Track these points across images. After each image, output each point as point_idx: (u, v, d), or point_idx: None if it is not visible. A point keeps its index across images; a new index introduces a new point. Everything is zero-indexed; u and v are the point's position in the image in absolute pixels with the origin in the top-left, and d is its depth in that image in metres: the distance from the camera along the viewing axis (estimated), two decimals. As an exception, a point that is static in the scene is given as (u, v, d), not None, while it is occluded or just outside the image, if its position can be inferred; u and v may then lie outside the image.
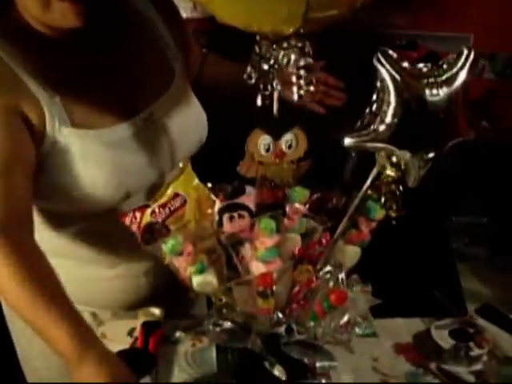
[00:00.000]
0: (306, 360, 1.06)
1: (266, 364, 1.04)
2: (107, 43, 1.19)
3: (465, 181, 1.98)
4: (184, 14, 1.43)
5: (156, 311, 1.25)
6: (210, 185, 1.07)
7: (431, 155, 1.03)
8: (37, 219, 1.17)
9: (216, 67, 1.48)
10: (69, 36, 1.12)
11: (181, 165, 1.06)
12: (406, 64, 0.98)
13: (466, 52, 1.01)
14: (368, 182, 1.05)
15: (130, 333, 1.23)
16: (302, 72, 0.95)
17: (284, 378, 1.02)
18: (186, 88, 1.34)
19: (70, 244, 1.23)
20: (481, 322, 1.32)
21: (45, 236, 1.17)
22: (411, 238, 1.73)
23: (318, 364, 1.07)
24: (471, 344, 1.19)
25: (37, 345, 1.33)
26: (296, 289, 1.05)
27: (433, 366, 1.18)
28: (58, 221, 1.22)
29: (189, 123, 1.31)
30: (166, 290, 1.29)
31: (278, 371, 1.02)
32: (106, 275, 1.31)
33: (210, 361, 1.17)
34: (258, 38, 0.96)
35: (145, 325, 1.21)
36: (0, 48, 1.08)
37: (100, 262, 1.29)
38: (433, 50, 2.11)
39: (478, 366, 1.18)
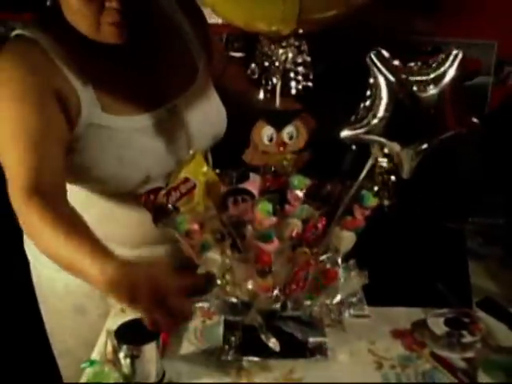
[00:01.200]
0: (299, 335, 1.14)
1: (263, 337, 1.12)
2: (137, 41, 1.31)
3: (485, 183, 2.01)
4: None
5: None
6: (217, 171, 1.17)
7: (422, 148, 1.11)
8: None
9: (235, 78, 1.56)
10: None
11: (191, 152, 1.17)
12: (397, 62, 1.07)
13: (454, 52, 1.08)
14: (364, 172, 1.13)
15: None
16: (299, 68, 1.04)
17: (277, 350, 1.11)
18: (209, 85, 1.44)
19: (95, 224, 1.34)
20: (480, 313, 1.37)
21: None
22: (428, 235, 1.78)
23: (310, 339, 1.15)
24: (464, 332, 1.24)
25: (68, 321, 1.47)
26: (294, 269, 1.13)
27: (426, 351, 1.24)
28: (83, 201, 1.33)
29: (209, 117, 1.41)
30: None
31: (272, 343, 1.11)
32: (130, 255, 1.39)
33: (216, 336, 1.26)
34: (260, 37, 1.06)
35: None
36: (46, 43, 1.21)
37: (124, 242, 1.37)
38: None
39: (470, 354, 1.23)
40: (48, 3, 1.25)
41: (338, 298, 1.12)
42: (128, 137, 1.27)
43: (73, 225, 1.10)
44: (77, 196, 1.30)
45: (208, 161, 1.44)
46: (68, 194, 1.21)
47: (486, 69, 2.23)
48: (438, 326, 1.27)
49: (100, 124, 1.25)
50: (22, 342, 1.82)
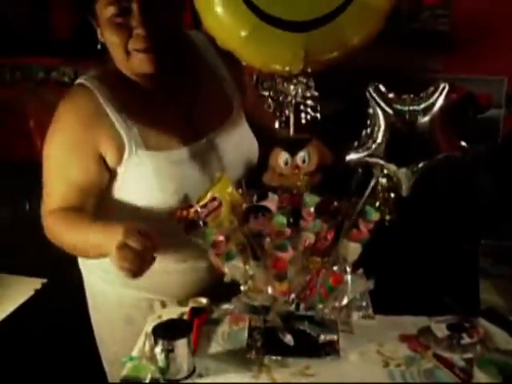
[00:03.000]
0: (312, 333, 1.30)
1: (280, 335, 1.29)
2: (176, 83, 1.52)
3: (498, 207, 2.15)
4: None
5: (203, 300, 1.52)
6: (241, 191, 1.35)
7: (417, 168, 1.28)
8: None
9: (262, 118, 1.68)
10: (149, 78, 1.46)
11: (217, 175, 1.36)
12: (391, 95, 1.25)
13: (442, 85, 1.25)
14: (367, 190, 1.30)
15: (181, 316, 1.51)
16: (308, 101, 1.23)
17: (292, 344, 1.27)
18: (242, 120, 1.62)
19: None
20: (483, 322, 1.50)
21: None
22: (442, 254, 1.93)
23: (321, 337, 1.31)
24: (464, 335, 1.38)
25: (118, 331, 1.65)
26: (308, 277, 1.30)
27: (429, 352, 1.38)
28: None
29: (241, 149, 1.59)
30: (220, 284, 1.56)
31: (287, 339, 1.27)
32: (175, 269, 1.56)
33: (241, 339, 1.42)
34: (275, 76, 1.25)
35: (192, 309, 1.49)
36: (99, 89, 1.43)
37: (169, 257, 1.54)
38: (470, 91, 2.32)
39: (469, 354, 1.36)
40: (98, 47, 1.45)
41: (346, 300, 1.28)
42: (168, 169, 1.46)
43: (82, 221, 1.40)
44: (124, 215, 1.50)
45: (242, 186, 1.60)
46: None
47: (497, 102, 2.38)
48: (440, 329, 1.40)
49: (142, 160, 1.45)
50: (74, 351, 2.00)
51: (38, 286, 1.95)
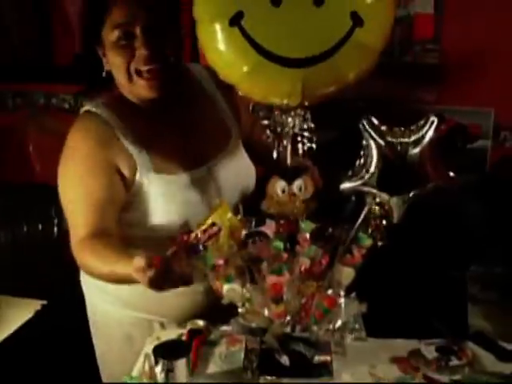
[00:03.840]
0: (307, 354, 1.36)
1: (276, 355, 1.34)
2: (177, 111, 1.59)
3: (486, 235, 2.22)
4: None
5: (200, 322, 1.57)
6: (239, 217, 1.41)
7: (408, 197, 1.34)
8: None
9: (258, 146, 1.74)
10: (151, 104, 1.54)
11: (217, 201, 1.42)
12: (384, 127, 1.32)
13: (431, 119, 1.32)
14: (361, 217, 1.37)
15: (179, 338, 1.55)
16: (304, 133, 1.30)
17: (287, 364, 1.32)
18: (240, 147, 1.70)
19: None
20: (471, 345, 1.55)
21: None
22: (431, 280, 1.99)
23: (316, 358, 1.36)
24: (452, 357, 1.44)
25: (118, 350, 1.69)
26: (303, 300, 1.36)
27: (419, 374, 1.44)
28: (136, 243, 1.58)
29: (240, 175, 1.66)
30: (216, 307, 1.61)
31: (283, 359, 1.33)
32: (174, 291, 1.60)
33: (238, 360, 1.47)
34: (273, 108, 1.33)
35: (190, 331, 1.54)
36: (107, 114, 1.50)
37: None
38: (459, 122, 2.41)
39: (457, 376, 1.42)
40: (103, 74, 1.53)
41: (339, 322, 1.34)
42: (173, 192, 1.53)
43: (106, 253, 1.40)
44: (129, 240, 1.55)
45: (239, 210, 1.66)
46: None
47: (485, 133, 2.46)
48: (429, 352, 1.46)
49: (151, 182, 1.51)
50: (74, 371, 2.04)
51: (38, 308, 1.98)
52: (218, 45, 1.24)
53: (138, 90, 1.49)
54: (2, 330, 1.90)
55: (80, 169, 1.50)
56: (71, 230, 1.51)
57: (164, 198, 1.53)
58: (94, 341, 1.76)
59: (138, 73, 1.47)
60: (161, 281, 1.26)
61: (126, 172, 1.51)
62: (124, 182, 1.51)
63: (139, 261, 1.25)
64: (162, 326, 1.66)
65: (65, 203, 1.52)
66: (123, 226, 1.55)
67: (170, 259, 1.28)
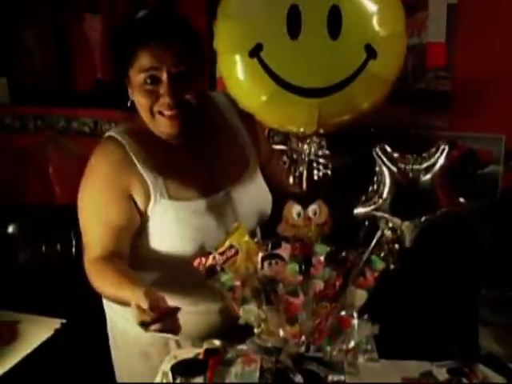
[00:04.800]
0: (320, 373, 1.39)
1: (290, 374, 1.38)
2: (198, 139, 1.64)
3: (498, 259, 2.25)
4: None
5: (217, 342, 1.61)
6: (256, 240, 1.46)
7: (420, 222, 1.39)
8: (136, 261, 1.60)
9: (274, 172, 1.82)
10: (171, 136, 1.59)
11: (235, 225, 1.47)
12: (396, 155, 1.37)
13: (442, 146, 1.37)
14: (374, 241, 1.41)
15: (196, 357, 1.59)
16: (320, 160, 1.35)
17: (301, 383, 1.36)
18: (257, 174, 1.74)
19: (161, 283, 1.62)
20: (482, 367, 1.58)
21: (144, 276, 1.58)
22: (445, 304, 2.02)
23: (329, 377, 1.40)
24: (463, 378, 1.47)
25: (135, 366, 1.73)
26: (317, 321, 1.40)
27: (431, 395, 1.47)
28: (151, 266, 1.64)
29: (256, 201, 1.71)
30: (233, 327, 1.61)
31: (297, 379, 1.36)
32: (190, 311, 1.65)
33: (253, 379, 1.50)
34: (290, 136, 1.38)
35: (207, 350, 1.58)
36: (127, 141, 1.56)
37: (185, 299, 1.62)
38: (471, 148, 2.45)
39: (468, 398, 1.45)
40: (128, 104, 1.59)
41: (352, 343, 1.37)
42: (188, 218, 1.57)
43: (113, 276, 1.47)
44: (144, 263, 1.60)
45: (256, 235, 1.71)
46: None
47: (496, 159, 2.50)
48: (441, 373, 1.49)
49: (166, 208, 1.57)
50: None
51: (58, 326, 2.02)
52: (238, 75, 1.30)
53: (159, 127, 1.55)
54: (23, 347, 1.93)
55: (98, 193, 1.57)
56: (85, 249, 1.59)
57: (177, 224, 1.57)
58: (113, 358, 1.81)
59: (160, 113, 1.52)
60: (151, 325, 1.32)
61: (139, 198, 1.56)
62: (137, 208, 1.57)
63: (143, 302, 1.31)
64: (178, 344, 1.70)
65: (82, 223, 1.59)
66: (138, 250, 1.60)
67: (171, 313, 1.34)
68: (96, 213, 1.57)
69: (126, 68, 1.52)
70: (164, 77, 1.48)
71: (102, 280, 1.51)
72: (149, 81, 1.49)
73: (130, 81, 1.54)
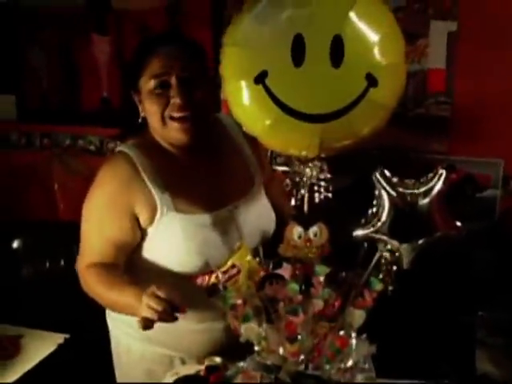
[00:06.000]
0: (319, 391, 1.42)
1: (290, 391, 1.41)
2: (206, 156, 1.69)
3: (496, 281, 2.28)
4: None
5: (217, 359, 1.65)
6: (258, 259, 1.50)
7: (418, 244, 1.43)
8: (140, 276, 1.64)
9: (275, 193, 1.87)
10: (181, 150, 1.64)
11: (238, 244, 1.51)
12: (395, 179, 1.41)
13: (440, 172, 1.41)
14: (372, 263, 1.45)
15: (197, 373, 1.62)
16: (321, 183, 1.39)
17: (301, 400, 1.39)
18: (261, 193, 1.79)
19: None
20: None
21: None
22: (442, 325, 2.05)
23: (328, 395, 1.43)
24: (458, 399, 1.50)
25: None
26: (316, 340, 1.43)
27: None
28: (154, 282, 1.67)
29: (260, 219, 1.75)
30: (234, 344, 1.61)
31: (296, 396, 1.39)
32: (195, 328, 1.70)
33: (253, 396, 1.53)
34: (292, 159, 1.43)
35: (208, 367, 1.61)
36: (136, 156, 1.61)
37: (190, 317, 1.64)
38: (469, 173, 2.50)
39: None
40: (140, 120, 1.66)
41: (350, 362, 1.41)
42: (193, 231, 1.62)
43: (114, 279, 1.56)
44: (147, 279, 1.64)
45: (259, 253, 1.75)
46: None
47: (494, 183, 2.54)
48: (436, 394, 1.53)
49: (172, 221, 1.61)
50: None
51: (61, 341, 2.05)
52: (243, 100, 1.34)
53: (170, 133, 1.60)
54: (25, 362, 1.95)
55: (102, 207, 1.62)
56: (80, 255, 1.66)
57: (183, 237, 1.61)
58: (116, 375, 1.84)
59: (172, 118, 1.58)
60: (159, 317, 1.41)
61: (144, 212, 1.60)
62: (139, 225, 1.62)
63: (162, 290, 1.41)
64: (183, 361, 1.73)
65: (82, 231, 1.65)
66: (142, 265, 1.64)
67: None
68: (98, 226, 1.63)
69: (138, 79, 1.60)
70: (173, 80, 1.56)
71: (99, 283, 1.57)
72: (159, 86, 1.57)
73: (140, 93, 1.61)
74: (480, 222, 2.42)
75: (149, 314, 1.42)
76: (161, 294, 1.43)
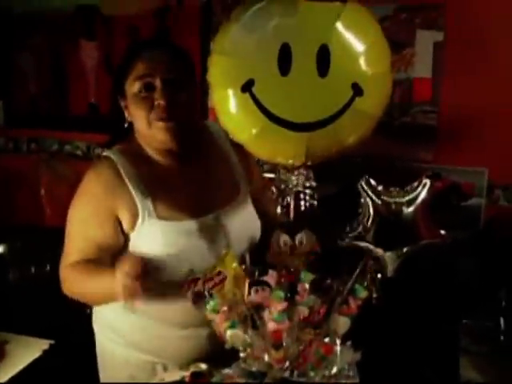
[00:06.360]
0: (304, 398, 1.43)
1: (275, 398, 1.41)
2: (191, 162, 1.70)
3: (480, 289, 2.30)
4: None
5: (203, 366, 1.64)
6: (243, 266, 1.51)
7: (402, 252, 1.44)
8: None
9: (265, 204, 1.83)
10: (165, 155, 1.65)
11: (224, 251, 1.51)
12: (380, 188, 1.43)
13: (424, 181, 1.43)
14: (357, 270, 1.46)
15: (182, 379, 1.63)
16: (307, 190, 1.40)
17: (285, 407, 1.39)
18: (247, 201, 1.77)
19: (151, 307, 1.66)
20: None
21: None
22: (426, 333, 2.06)
23: (312, 401, 1.44)
24: (441, 406, 1.51)
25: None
26: (302, 347, 1.44)
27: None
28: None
29: (246, 226, 1.75)
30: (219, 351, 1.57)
31: (281, 403, 1.40)
32: (179, 335, 1.69)
33: (238, 402, 1.54)
34: (278, 167, 1.44)
35: (193, 373, 1.61)
36: (121, 161, 1.62)
37: (174, 323, 1.67)
38: (455, 181, 2.52)
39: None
40: (126, 125, 1.66)
41: (335, 369, 1.41)
42: (176, 239, 1.62)
43: (95, 268, 1.58)
44: None
45: (246, 260, 1.76)
46: None
47: (478, 191, 2.57)
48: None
49: (153, 228, 1.61)
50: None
51: (46, 347, 2.04)
52: (230, 108, 1.36)
53: (155, 135, 1.59)
54: (10, 368, 1.95)
55: (85, 212, 1.63)
56: (63, 257, 1.65)
57: (164, 243, 1.61)
58: (101, 379, 1.83)
59: (157, 119, 1.58)
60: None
61: (126, 218, 1.61)
62: (122, 230, 1.62)
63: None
64: (165, 368, 1.73)
65: (67, 234, 1.66)
66: None
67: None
68: (82, 228, 1.63)
69: (123, 82, 1.61)
70: (157, 83, 1.57)
71: (79, 276, 1.59)
72: (144, 88, 1.57)
73: (126, 98, 1.62)
74: (465, 230, 2.44)
75: (124, 281, 1.43)
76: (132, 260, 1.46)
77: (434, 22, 2.61)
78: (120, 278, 1.43)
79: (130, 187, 1.60)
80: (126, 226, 1.61)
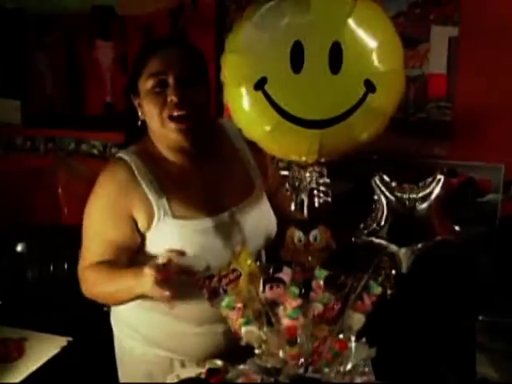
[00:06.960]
0: (318, 394, 1.44)
1: (290, 394, 1.42)
2: (205, 161, 1.71)
3: (496, 285, 2.29)
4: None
5: (218, 362, 1.66)
6: (259, 263, 1.51)
7: (416, 248, 1.44)
8: None
9: (281, 201, 1.85)
10: (178, 154, 1.66)
11: (239, 248, 1.52)
12: (394, 184, 1.43)
13: (438, 177, 1.43)
14: (371, 267, 1.46)
15: (198, 375, 1.64)
16: (320, 187, 1.41)
17: (300, 403, 1.40)
18: (263, 198, 1.80)
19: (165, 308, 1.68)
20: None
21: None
22: (442, 330, 2.06)
23: (328, 397, 1.44)
24: (457, 402, 1.51)
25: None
26: (316, 343, 1.44)
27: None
28: None
29: (261, 223, 1.77)
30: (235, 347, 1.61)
31: (296, 399, 1.41)
32: (195, 331, 1.72)
33: (254, 397, 1.55)
34: (292, 164, 1.44)
35: (209, 370, 1.62)
36: (135, 162, 1.64)
37: (190, 320, 1.70)
38: (470, 177, 2.51)
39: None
40: (139, 123, 1.69)
41: (349, 365, 1.42)
42: (192, 237, 1.63)
43: (114, 270, 1.60)
44: None
45: (261, 257, 1.77)
46: None
47: (495, 188, 2.55)
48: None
49: (169, 227, 1.63)
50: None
51: (64, 344, 2.06)
52: (243, 106, 1.36)
53: (168, 133, 1.61)
54: (29, 365, 1.97)
55: (101, 212, 1.65)
56: (81, 259, 1.68)
57: (181, 242, 1.62)
58: (119, 376, 1.86)
59: (170, 118, 1.60)
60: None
61: (142, 218, 1.63)
62: (138, 230, 1.64)
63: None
64: (183, 364, 1.75)
65: (84, 237, 1.68)
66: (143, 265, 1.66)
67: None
68: (99, 229, 1.66)
69: (137, 79, 1.63)
70: (171, 80, 1.59)
71: (99, 278, 1.61)
72: (157, 85, 1.60)
73: (139, 96, 1.64)
74: (481, 226, 2.43)
75: (154, 277, 1.46)
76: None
77: (448, 17, 2.60)
78: (149, 272, 1.46)
79: (145, 187, 1.62)
80: (141, 225, 1.63)
